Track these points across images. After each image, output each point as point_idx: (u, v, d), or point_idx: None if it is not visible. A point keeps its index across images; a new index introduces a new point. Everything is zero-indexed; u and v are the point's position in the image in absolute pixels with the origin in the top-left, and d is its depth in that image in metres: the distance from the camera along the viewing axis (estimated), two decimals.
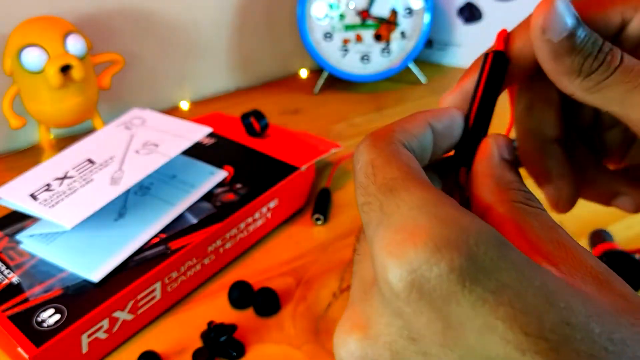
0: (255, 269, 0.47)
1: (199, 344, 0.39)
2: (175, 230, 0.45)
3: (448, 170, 0.24)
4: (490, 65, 0.23)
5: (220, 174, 0.51)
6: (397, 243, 0.16)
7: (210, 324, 0.39)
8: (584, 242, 0.48)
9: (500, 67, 0.23)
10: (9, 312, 0.38)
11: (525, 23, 0.23)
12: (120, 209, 0.47)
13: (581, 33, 0.21)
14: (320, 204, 0.53)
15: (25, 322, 0.37)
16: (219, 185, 0.50)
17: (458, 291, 0.15)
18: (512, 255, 0.16)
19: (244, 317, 0.42)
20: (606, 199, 0.26)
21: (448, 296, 0.15)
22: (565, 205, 0.25)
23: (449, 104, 0.24)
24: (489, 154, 0.22)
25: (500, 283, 0.15)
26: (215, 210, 0.47)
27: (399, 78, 0.79)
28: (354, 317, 0.19)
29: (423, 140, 0.21)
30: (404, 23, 0.76)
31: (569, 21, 0.20)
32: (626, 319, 0.15)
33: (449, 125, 0.23)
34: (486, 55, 0.23)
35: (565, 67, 0.21)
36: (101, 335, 0.39)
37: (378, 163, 0.19)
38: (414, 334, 0.16)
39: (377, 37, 0.76)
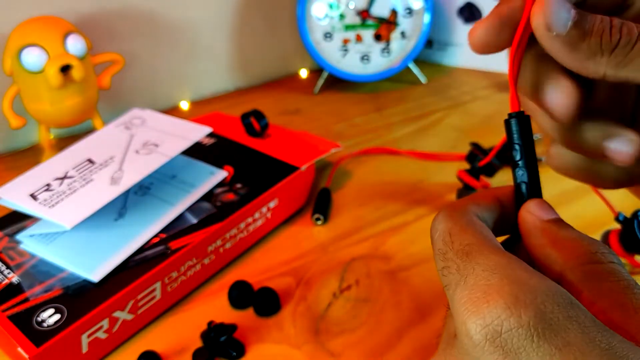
0: (255, 269, 0.47)
1: (199, 344, 0.39)
2: (175, 230, 0.45)
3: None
4: (520, 130, 0.24)
5: (220, 174, 0.51)
6: (472, 301, 0.18)
7: (210, 324, 0.39)
8: None
9: (527, 125, 0.24)
10: (9, 312, 0.38)
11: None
12: (120, 209, 0.47)
13: (585, 16, 0.20)
14: (320, 204, 0.53)
15: (25, 322, 0.37)
16: (219, 185, 0.50)
17: (527, 345, 0.17)
18: (580, 315, 0.17)
19: (244, 317, 0.42)
20: (598, 145, 0.24)
21: (519, 349, 0.17)
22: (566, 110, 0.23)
23: (480, 36, 0.22)
24: (532, 226, 0.22)
25: (566, 341, 0.16)
26: (215, 210, 0.47)
27: (399, 78, 0.79)
28: None
29: (494, 212, 0.23)
30: (404, 23, 0.76)
31: (568, 9, 0.20)
32: None
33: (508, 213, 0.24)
34: (508, 121, 0.24)
35: (586, 52, 0.20)
36: (101, 335, 0.39)
37: (455, 231, 0.21)
38: None
39: (377, 37, 0.76)
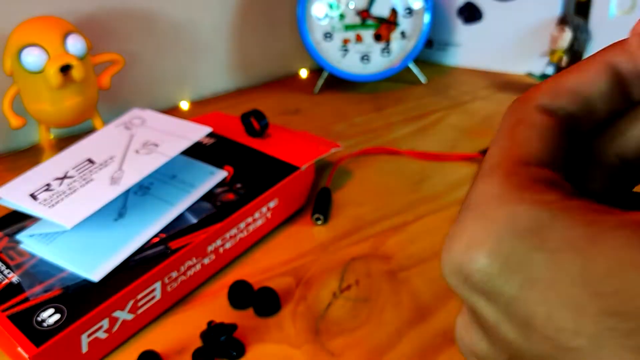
0: (255, 269, 0.47)
1: (199, 343, 0.39)
2: (175, 230, 0.45)
3: None
4: None
5: (220, 174, 0.51)
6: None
7: (210, 323, 0.39)
8: None
9: None
10: (9, 312, 0.38)
11: None
12: (120, 208, 0.47)
13: None
14: (320, 204, 0.53)
15: (25, 322, 0.37)
16: (219, 185, 0.50)
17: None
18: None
19: (244, 317, 0.42)
20: None
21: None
22: None
23: None
24: None
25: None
26: (215, 210, 0.47)
27: (399, 78, 0.79)
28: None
29: (593, 93, 0.17)
30: (404, 23, 0.76)
31: None
32: None
33: None
34: None
35: None
36: (101, 335, 0.39)
37: (499, 143, 0.17)
38: None
39: (377, 37, 0.76)
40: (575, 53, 0.75)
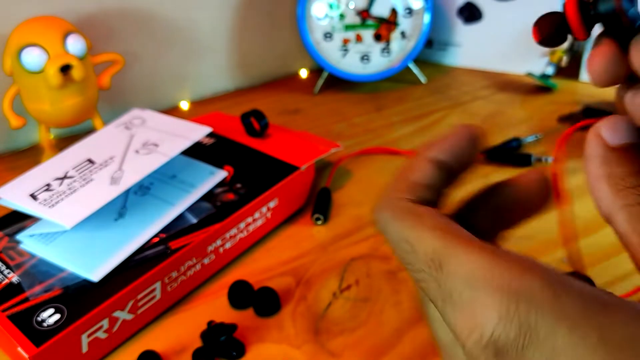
0: (255, 269, 0.47)
1: (199, 343, 0.39)
2: (175, 230, 0.45)
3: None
4: None
5: (220, 174, 0.51)
6: (466, 322, 0.17)
7: (210, 323, 0.39)
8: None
9: None
10: (9, 312, 0.38)
11: None
12: (120, 208, 0.47)
13: None
14: (320, 203, 0.53)
15: (25, 322, 0.37)
16: (219, 185, 0.50)
17: (519, 348, 0.16)
18: (566, 300, 0.17)
19: (244, 317, 0.42)
20: None
21: (516, 352, 0.17)
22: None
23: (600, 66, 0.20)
24: (593, 152, 0.20)
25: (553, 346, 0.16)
26: (215, 210, 0.47)
27: (399, 78, 0.79)
28: None
29: (432, 181, 0.22)
30: (404, 23, 0.76)
31: None
32: None
33: (457, 147, 0.23)
34: None
35: None
36: (101, 335, 0.39)
37: (412, 237, 0.20)
38: None
39: (377, 37, 0.76)
40: (575, 53, 0.75)
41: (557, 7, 0.79)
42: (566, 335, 0.16)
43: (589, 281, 0.21)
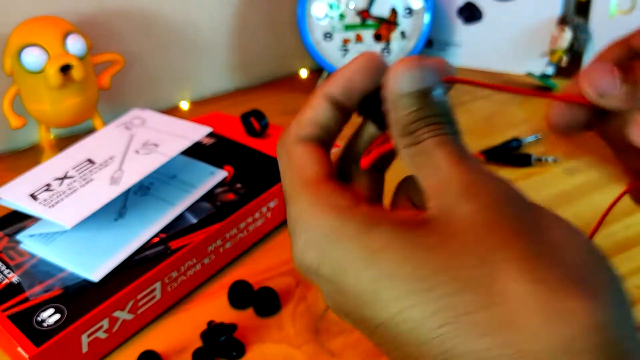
0: (255, 269, 0.47)
1: (199, 343, 0.39)
2: (175, 230, 0.45)
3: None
4: None
5: (220, 174, 0.51)
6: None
7: (210, 323, 0.39)
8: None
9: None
10: (9, 312, 0.38)
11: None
12: (120, 208, 0.47)
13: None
14: None
15: (25, 322, 0.37)
16: (219, 185, 0.50)
17: None
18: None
19: (244, 317, 0.42)
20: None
21: None
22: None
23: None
24: (388, 90, 0.22)
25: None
26: (215, 210, 0.47)
27: None
28: None
29: (321, 120, 0.24)
30: (404, 23, 0.76)
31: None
32: None
33: (350, 81, 0.23)
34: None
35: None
36: (101, 335, 0.39)
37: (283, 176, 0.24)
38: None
39: (377, 37, 0.76)
40: (575, 53, 0.75)
41: (557, 6, 0.79)
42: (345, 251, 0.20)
43: None
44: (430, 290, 0.18)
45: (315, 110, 0.24)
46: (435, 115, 0.22)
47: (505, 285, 0.18)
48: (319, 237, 0.21)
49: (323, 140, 0.24)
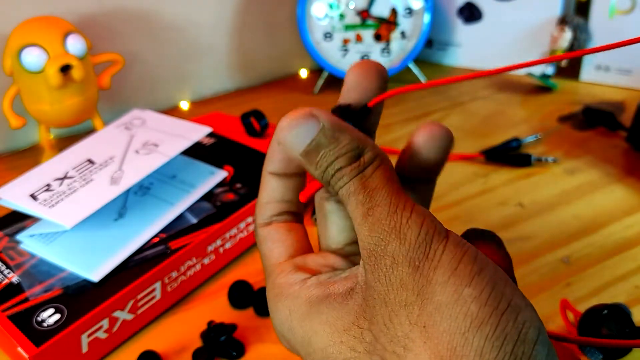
0: (255, 269, 0.47)
1: (199, 343, 0.39)
2: (175, 230, 0.45)
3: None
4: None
5: (220, 174, 0.51)
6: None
7: (210, 323, 0.39)
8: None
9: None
10: (9, 312, 0.38)
11: None
12: (120, 208, 0.47)
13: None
14: None
15: (25, 322, 0.37)
16: (219, 185, 0.50)
17: None
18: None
19: (244, 317, 0.42)
20: None
21: None
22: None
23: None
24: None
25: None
26: (215, 210, 0.47)
27: (399, 78, 0.79)
28: None
29: (275, 196, 0.25)
30: (404, 23, 0.76)
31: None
32: None
33: (276, 153, 0.24)
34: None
35: None
36: (101, 335, 0.39)
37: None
38: None
39: (377, 37, 0.76)
40: None
41: (557, 6, 0.79)
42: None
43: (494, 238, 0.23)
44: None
45: (267, 190, 0.25)
46: (339, 156, 0.20)
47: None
48: (279, 325, 0.22)
49: (287, 213, 0.25)
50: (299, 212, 0.26)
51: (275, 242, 0.25)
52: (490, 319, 0.17)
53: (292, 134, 0.21)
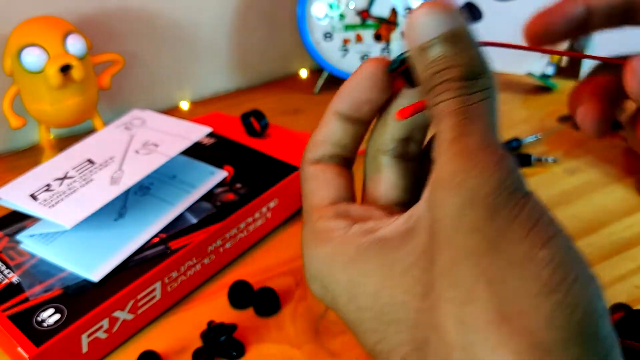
0: (255, 269, 0.47)
1: (199, 343, 0.39)
2: (175, 230, 0.45)
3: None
4: None
5: (220, 174, 0.51)
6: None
7: (210, 323, 0.39)
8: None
9: None
10: (9, 312, 0.38)
11: None
12: (120, 208, 0.47)
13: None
14: None
15: (25, 322, 0.37)
16: (219, 185, 0.50)
17: None
18: None
19: (244, 317, 0.42)
20: None
21: None
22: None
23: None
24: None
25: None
26: (215, 210, 0.47)
27: None
28: None
29: (333, 137, 0.24)
30: (404, 23, 0.76)
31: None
32: None
33: (356, 93, 0.23)
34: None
35: None
36: (101, 335, 0.39)
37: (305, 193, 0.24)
38: None
39: (377, 37, 0.76)
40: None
41: None
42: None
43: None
44: (398, 322, 0.19)
45: (326, 129, 0.24)
46: (458, 65, 0.19)
47: (442, 322, 0.18)
48: (316, 270, 0.22)
49: (339, 157, 0.24)
50: (351, 160, 0.25)
51: (320, 183, 0.24)
52: (561, 286, 0.16)
53: (430, 17, 0.19)
